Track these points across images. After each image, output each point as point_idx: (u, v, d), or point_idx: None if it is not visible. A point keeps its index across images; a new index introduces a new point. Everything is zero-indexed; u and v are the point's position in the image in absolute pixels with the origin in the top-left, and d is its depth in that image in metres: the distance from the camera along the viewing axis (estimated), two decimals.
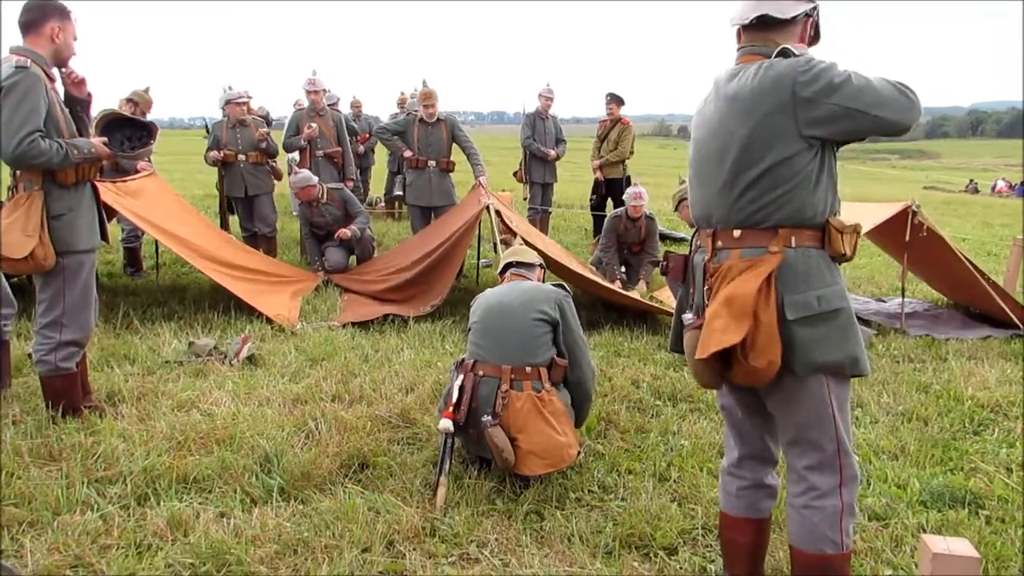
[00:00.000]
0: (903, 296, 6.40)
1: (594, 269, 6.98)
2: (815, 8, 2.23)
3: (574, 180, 14.59)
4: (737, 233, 2.17)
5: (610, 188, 9.51)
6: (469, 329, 3.51)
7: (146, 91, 7.01)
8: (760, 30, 2.21)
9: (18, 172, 3.45)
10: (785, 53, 2.09)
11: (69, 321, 3.61)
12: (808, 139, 2.06)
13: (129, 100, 6.88)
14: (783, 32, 2.19)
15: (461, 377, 3.31)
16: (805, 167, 2.07)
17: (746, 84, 2.11)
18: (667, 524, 2.95)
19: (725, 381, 2.25)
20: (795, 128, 2.05)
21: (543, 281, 3.76)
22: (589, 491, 3.24)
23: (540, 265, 3.86)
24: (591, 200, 9.83)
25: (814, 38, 2.29)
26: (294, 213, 10.09)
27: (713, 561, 2.76)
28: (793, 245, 2.10)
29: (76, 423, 3.64)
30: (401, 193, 8.22)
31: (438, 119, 7.37)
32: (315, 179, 7.33)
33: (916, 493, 3.25)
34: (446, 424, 3.17)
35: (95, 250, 3.72)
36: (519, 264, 3.80)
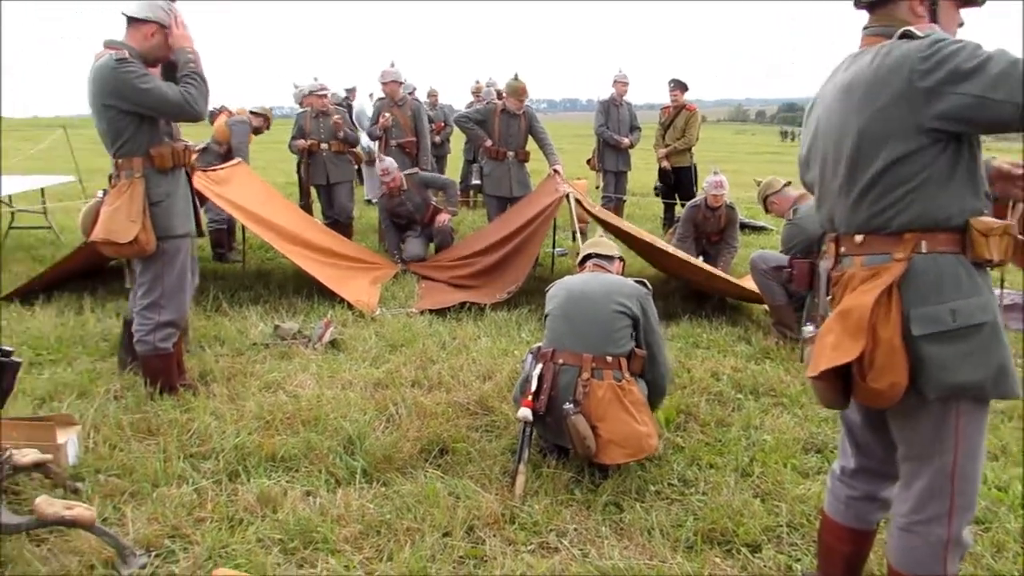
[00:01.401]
0: (1002, 287, 6.08)
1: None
2: None
3: (648, 168, 14.32)
4: (859, 238, 1.97)
5: (677, 177, 9.34)
6: (546, 316, 3.50)
7: (270, 110, 7.90)
8: (884, 6, 1.99)
9: (119, 161, 3.61)
10: (909, 35, 1.86)
11: (167, 303, 3.77)
12: (933, 133, 1.83)
13: (260, 114, 7.64)
14: (900, 5, 1.98)
15: (540, 366, 3.31)
16: (932, 164, 1.85)
17: (862, 72, 1.93)
18: (750, 520, 2.89)
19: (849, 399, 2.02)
20: (915, 122, 1.83)
21: (623, 274, 3.73)
22: (669, 484, 3.21)
23: (620, 258, 3.82)
24: (656, 189, 9.67)
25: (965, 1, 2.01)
26: (372, 200, 10.29)
27: (799, 560, 2.70)
28: (924, 251, 1.87)
29: (172, 400, 3.81)
30: (478, 182, 8.27)
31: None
32: (395, 168, 7.44)
33: (1018, 496, 3.10)
34: (525, 413, 3.18)
35: (191, 235, 3.88)
36: (599, 256, 3.77)
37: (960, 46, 1.78)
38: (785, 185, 5.43)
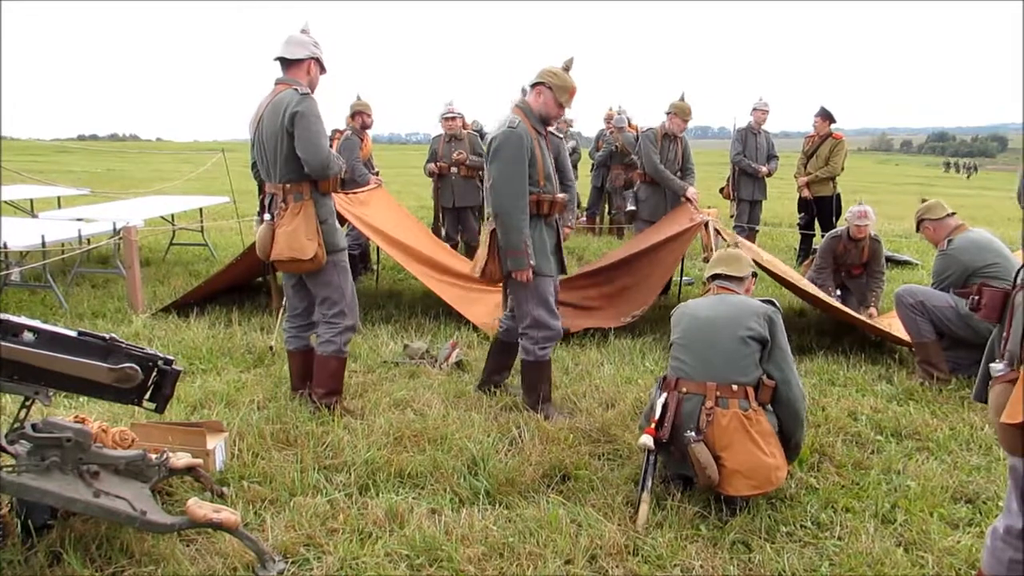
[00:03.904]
0: None
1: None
2: None
3: (782, 197, 13.91)
4: None
5: (819, 206, 8.98)
6: (671, 344, 3.44)
7: (358, 99, 7.94)
8: None
9: (287, 185, 3.89)
10: None
11: (349, 310, 4.11)
12: None
13: (356, 113, 7.75)
14: None
15: (664, 395, 3.25)
16: None
17: None
18: (891, 570, 2.72)
19: None
20: None
21: (751, 292, 3.60)
22: (801, 526, 3.06)
23: (752, 275, 3.64)
24: (800, 220, 9.33)
25: None
26: None
27: None
28: None
29: (308, 413, 4.00)
30: (634, 208, 8.15)
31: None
32: None
33: None
34: (647, 440, 3.14)
35: (347, 251, 4.18)
36: (727, 277, 3.59)
37: None
38: (949, 215, 5.09)
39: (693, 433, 3.08)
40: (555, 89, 3.95)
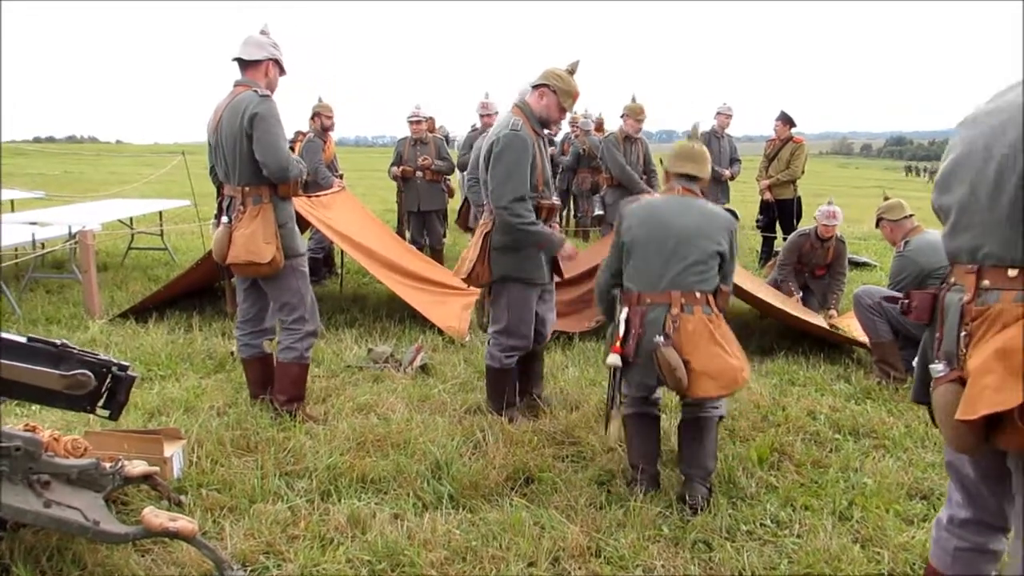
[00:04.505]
0: None
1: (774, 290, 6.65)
2: None
3: (745, 200, 14.07)
4: (1013, 272, 1.82)
5: (780, 209, 9.13)
6: (628, 243, 3.32)
7: (320, 100, 7.90)
8: None
9: (246, 188, 3.85)
10: None
11: (310, 315, 4.07)
12: None
13: (314, 115, 7.73)
14: None
15: (626, 310, 3.25)
16: None
17: None
18: (849, 567, 2.76)
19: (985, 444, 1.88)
20: None
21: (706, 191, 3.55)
22: (761, 524, 3.10)
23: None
24: (758, 221, 9.47)
25: None
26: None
27: None
28: None
29: (269, 418, 3.95)
30: (602, 213, 8.16)
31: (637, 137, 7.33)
32: None
33: None
34: (614, 359, 3.18)
35: (306, 255, 4.15)
36: (692, 178, 3.45)
37: None
38: (907, 216, 5.18)
39: (662, 338, 3.10)
40: (559, 92, 3.89)
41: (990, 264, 1.86)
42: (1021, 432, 1.75)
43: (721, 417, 3.43)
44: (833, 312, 6.52)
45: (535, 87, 3.96)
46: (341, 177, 7.84)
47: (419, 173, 8.07)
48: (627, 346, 3.18)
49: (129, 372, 2.66)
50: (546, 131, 4.07)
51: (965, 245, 1.94)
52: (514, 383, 4.19)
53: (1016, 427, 1.75)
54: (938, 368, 1.96)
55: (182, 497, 3.05)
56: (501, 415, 4.04)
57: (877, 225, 5.40)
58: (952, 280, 2.00)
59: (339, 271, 7.83)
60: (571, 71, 3.96)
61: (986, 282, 1.87)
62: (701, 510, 3.15)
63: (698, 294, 3.18)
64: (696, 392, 3.10)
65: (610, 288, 3.43)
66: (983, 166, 1.88)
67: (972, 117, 1.97)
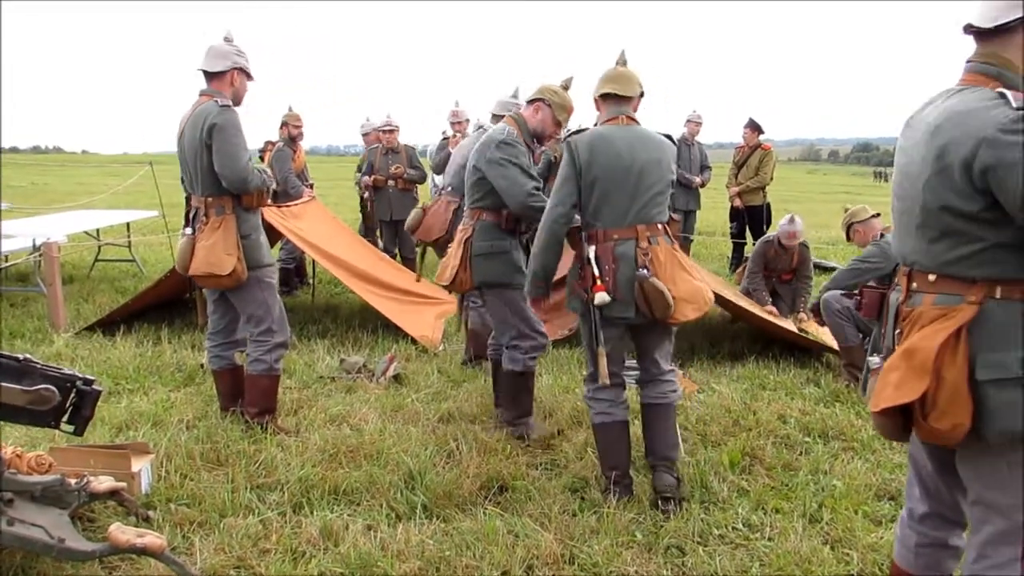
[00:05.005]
0: None
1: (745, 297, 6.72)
2: None
3: (716, 207, 14.24)
4: (932, 277, 1.93)
5: (750, 215, 9.24)
6: (588, 181, 3.25)
7: (290, 110, 7.88)
8: (993, 38, 1.89)
9: (209, 199, 3.81)
10: (1004, 97, 1.77)
11: (278, 327, 4.01)
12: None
13: (282, 124, 7.72)
14: (1011, 41, 1.87)
15: (593, 248, 3.25)
16: (1002, 226, 1.79)
17: (948, 119, 1.85)
18: (819, 568, 2.79)
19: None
20: (970, 188, 1.79)
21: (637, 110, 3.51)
22: (733, 528, 3.12)
23: (640, 94, 3.45)
24: (732, 228, 9.58)
25: None
26: None
27: None
28: (997, 296, 1.83)
29: (240, 431, 3.91)
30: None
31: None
32: None
33: None
34: (602, 297, 3.17)
35: (274, 265, 4.11)
36: (619, 98, 3.35)
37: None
38: (873, 216, 5.28)
39: (646, 271, 3.15)
40: (554, 107, 3.90)
41: (917, 269, 1.98)
42: (923, 426, 1.87)
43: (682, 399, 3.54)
44: (803, 315, 6.60)
45: (530, 102, 3.97)
46: (311, 186, 7.81)
47: (391, 182, 8.06)
48: (606, 282, 3.21)
49: (94, 386, 2.62)
50: (540, 147, 4.11)
51: (900, 249, 2.07)
52: (532, 388, 4.18)
53: (920, 421, 1.86)
54: (875, 361, 2.09)
55: (150, 512, 3.00)
56: (516, 425, 4.01)
57: (848, 236, 5.48)
58: (896, 281, 2.11)
59: (311, 281, 7.78)
60: (566, 87, 3.98)
61: (914, 285, 1.98)
62: (674, 500, 3.21)
63: (660, 225, 3.28)
64: (678, 317, 3.18)
65: (563, 225, 3.35)
66: (902, 178, 2.02)
67: (908, 122, 2.06)
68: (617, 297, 3.20)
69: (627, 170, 3.23)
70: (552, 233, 3.34)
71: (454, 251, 4.01)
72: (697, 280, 3.25)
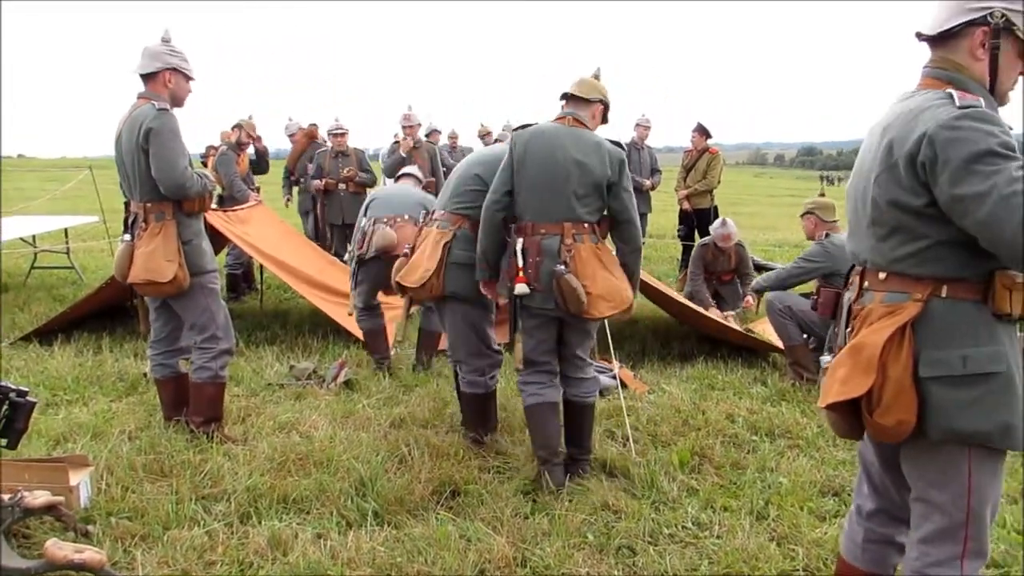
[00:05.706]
0: None
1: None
2: (1002, 17, 1.84)
3: (665, 210, 14.43)
4: (882, 275, 1.97)
5: (699, 218, 9.39)
6: (516, 172, 3.39)
7: (249, 118, 7.75)
8: (944, 43, 1.94)
9: (148, 204, 3.71)
10: (951, 97, 1.82)
11: (223, 333, 3.93)
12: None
13: (235, 127, 7.59)
14: (960, 45, 1.92)
15: (521, 240, 3.39)
16: (947, 224, 1.83)
17: (890, 117, 1.93)
18: (766, 564, 2.84)
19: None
20: (915, 183, 1.84)
21: (598, 118, 3.57)
22: (683, 527, 3.16)
23: (600, 101, 3.52)
24: (679, 231, 9.71)
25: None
26: None
27: None
28: (943, 295, 1.87)
29: (185, 441, 3.82)
30: None
31: None
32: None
33: None
34: (522, 288, 3.33)
35: (217, 271, 4.02)
36: (578, 100, 3.48)
37: (987, 133, 1.75)
38: (834, 221, 5.36)
39: (562, 266, 3.28)
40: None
41: (869, 267, 2.03)
42: (869, 423, 1.91)
43: (598, 398, 3.73)
44: (749, 299, 6.52)
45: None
46: (258, 191, 7.67)
47: (342, 186, 7.97)
48: (528, 274, 3.35)
49: (28, 398, 2.54)
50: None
51: (852, 248, 2.12)
52: (496, 404, 4.15)
53: (866, 417, 1.91)
54: (827, 359, 2.13)
55: (90, 527, 2.91)
56: (484, 439, 3.95)
57: (803, 215, 5.54)
58: (850, 280, 2.16)
59: (259, 287, 7.65)
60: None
61: (866, 283, 2.03)
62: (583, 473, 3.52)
63: (586, 224, 3.37)
64: (593, 312, 3.31)
65: (496, 212, 3.45)
66: (857, 178, 2.08)
67: (870, 128, 2.11)
68: (538, 289, 3.35)
69: (555, 167, 3.35)
70: (487, 219, 3.48)
71: (429, 253, 3.74)
72: (618, 280, 3.38)
